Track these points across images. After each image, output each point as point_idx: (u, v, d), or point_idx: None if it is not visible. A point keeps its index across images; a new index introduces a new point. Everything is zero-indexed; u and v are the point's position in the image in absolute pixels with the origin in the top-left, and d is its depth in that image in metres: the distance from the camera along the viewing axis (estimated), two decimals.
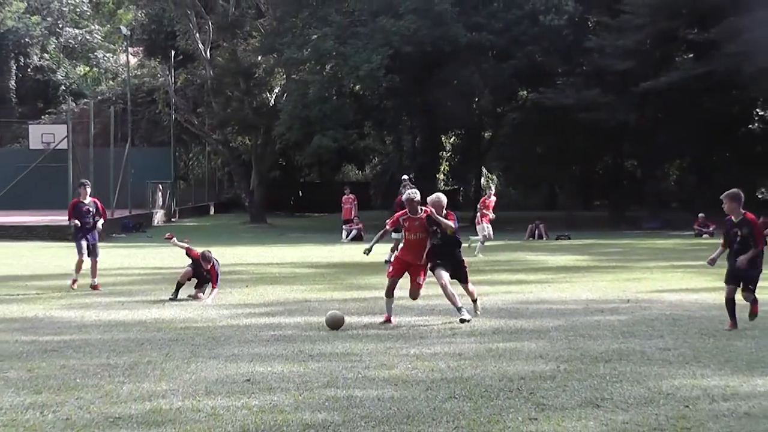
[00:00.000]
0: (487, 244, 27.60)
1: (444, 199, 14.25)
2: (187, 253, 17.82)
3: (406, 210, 14.28)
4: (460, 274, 14.38)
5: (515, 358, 11.30)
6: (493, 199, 27.92)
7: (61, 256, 28.45)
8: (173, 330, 13.73)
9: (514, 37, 43.49)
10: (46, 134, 50.72)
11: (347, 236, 36.41)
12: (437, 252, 14.14)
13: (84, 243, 19.33)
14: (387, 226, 14.71)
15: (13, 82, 68.70)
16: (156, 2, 55.30)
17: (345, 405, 8.99)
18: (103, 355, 11.69)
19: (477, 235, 27.78)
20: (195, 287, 17.48)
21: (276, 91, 54.45)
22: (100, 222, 19.68)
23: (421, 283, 14.54)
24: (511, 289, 18.62)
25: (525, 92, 50.09)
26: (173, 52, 54.92)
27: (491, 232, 27.78)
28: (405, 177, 37.42)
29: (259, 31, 52.24)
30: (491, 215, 27.68)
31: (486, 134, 54.88)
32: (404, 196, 14.79)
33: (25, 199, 46.19)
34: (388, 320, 14.05)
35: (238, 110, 53.02)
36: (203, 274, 17.41)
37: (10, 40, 68.26)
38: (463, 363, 10.97)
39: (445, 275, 13.98)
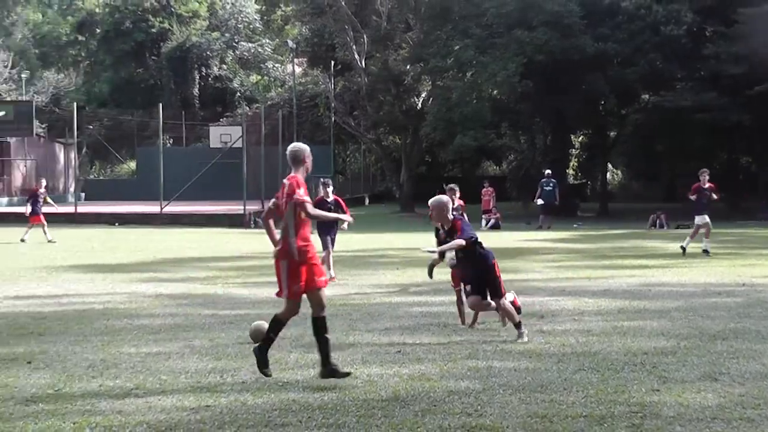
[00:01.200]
0: (615, 232, 26.99)
1: (448, 203, 11.01)
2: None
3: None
4: (488, 288, 11.05)
5: (639, 335, 11.08)
6: None
7: (237, 241, 29.03)
8: (333, 306, 13.83)
9: (637, 46, 42.78)
10: (223, 134, 51.73)
11: (486, 224, 36.28)
12: (462, 267, 11.40)
13: (328, 238, 18.05)
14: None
15: (196, 90, 70.28)
16: (318, 19, 55.80)
17: (485, 374, 8.95)
18: None
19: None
20: None
21: (423, 95, 54.52)
22: (348, 218, 18.54)
23: None
24: (635, 273, 18.27)
25: (647, 95, 49.11)
26: (333, 62, 55.42)
27: None
28: (548, 171, 37.28)
29: (408, 42, 52.36)
30: None
31: (611, 133, 53.95)
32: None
33: (206, 191, 47.14)
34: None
35: (390, 113, 53.34)
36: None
37: (194, 53, 69.82)
38: (591, 339, 10.81)
39: (470, 295, 11.04)
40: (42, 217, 29.07)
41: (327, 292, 15.34)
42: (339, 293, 15.35)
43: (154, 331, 11.69)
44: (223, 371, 9.20)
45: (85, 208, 41.93)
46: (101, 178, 73.05)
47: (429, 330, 11.47)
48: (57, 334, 11.52)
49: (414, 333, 11.19)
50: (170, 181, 41.17)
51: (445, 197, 11.20)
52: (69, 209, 39.53)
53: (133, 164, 68.12)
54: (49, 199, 30.41)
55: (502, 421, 7.32)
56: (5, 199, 51.23)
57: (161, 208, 38.97)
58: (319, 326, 8.89)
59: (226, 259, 22.70)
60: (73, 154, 53.97)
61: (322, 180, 18.82)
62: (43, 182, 31.90)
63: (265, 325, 10.60)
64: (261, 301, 14.49)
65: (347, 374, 8.71)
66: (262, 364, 8.69)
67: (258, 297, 15.03)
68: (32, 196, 29.83)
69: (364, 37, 51.87)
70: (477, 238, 11.04)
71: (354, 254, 23.41)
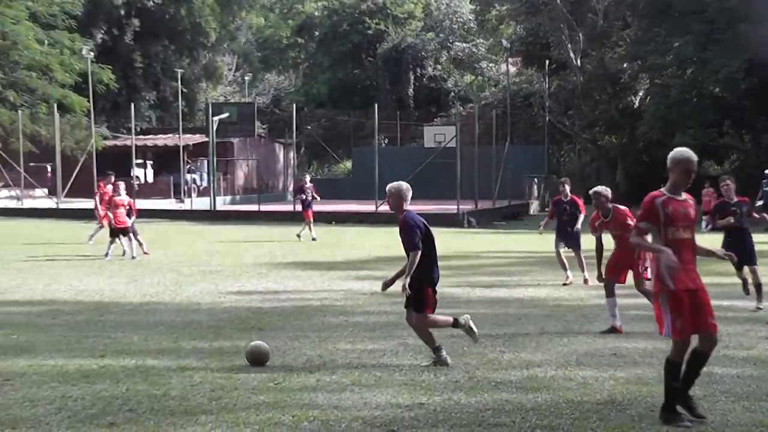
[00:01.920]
0: None
1: (407, 191, 10.24)
2: None
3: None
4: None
5: None
6: None
7: (450, 240, 29.18)
8: (547, 307, 13.75)
9: None
10: (437, 134, 52.11)
11: (707, 226, 35.11)
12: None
13: (561, 241, 17.58)
14: None
15: (411, 90, 71.06)
16: (533, 18, 55.52)
17: (706, 381, 8.67)
18: (487, 327, 11.86)
19: None
20: None
21: (640, 94, 53.47)
22: (581, 218, 17.40)
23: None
24: None
25: None
26: (547, 61, 54.93)
27: None
28: (767, 171, 35.95)
29: (625, 40, 51.48)
30: None
31: None
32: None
33: (420, 191, 46.93)
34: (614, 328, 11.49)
35: (606, 112, 52.65)
36: None
37: (410, 54, 70.64)
38: None
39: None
40: (310, 213, 28.49)
41: (541, 293, 15.29)
42: (553, 294, 15.23)
43: (369, 328, 11.92)
44: (436, 369, 9.28)
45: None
46: (318, 177, 74.93)
47: (645, 333, 11.20)
48: (276, 329, 11.91)
49: (629, 336, 10.97)
50: (385, 180, 41.36)
51: (405, 184, 10.20)
52: (288, 207, 40.73)
53: (349, 164, 69.51)
54: (313, 195, 29.21)
55: (724, 429, 7.10)
56: (228, 197, 53.25)
57: (376, 207, 39.59)
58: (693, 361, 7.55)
59: (439, 257, 22.83)
60: (292, 154, 55.63)
61: (560, 180, 18.61)
62: (308, 177, 31.57)
63: (264, 346, 9.82)
64: (473, 300, 14.55)
65: (701, 418, 7.36)
66: (674, 418, 7.31)
67: (471, 296, 15.10)
68: (300, 192, 29.40)
69: (580, 35, 51.32)
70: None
71: (570, 254, 23.14)
